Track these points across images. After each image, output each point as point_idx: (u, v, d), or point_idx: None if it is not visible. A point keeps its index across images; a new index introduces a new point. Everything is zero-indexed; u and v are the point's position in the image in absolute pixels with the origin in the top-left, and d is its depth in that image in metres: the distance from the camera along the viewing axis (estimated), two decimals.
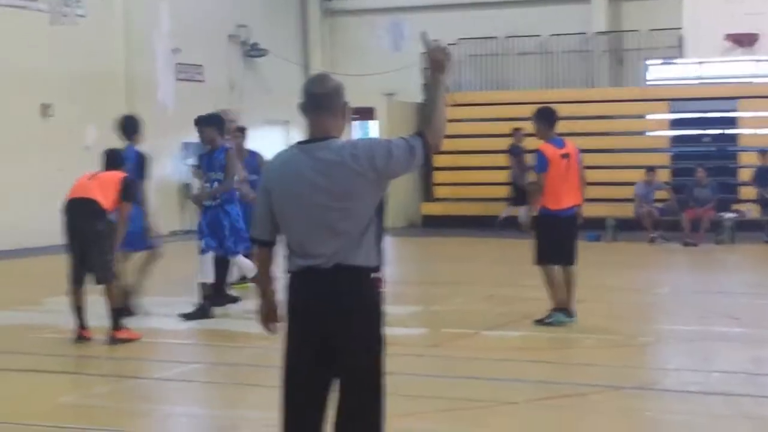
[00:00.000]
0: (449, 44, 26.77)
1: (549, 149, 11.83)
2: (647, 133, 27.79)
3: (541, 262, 11.95)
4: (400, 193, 25.93)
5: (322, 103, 5.04)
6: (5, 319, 12.30)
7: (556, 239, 11.85)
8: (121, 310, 11.15)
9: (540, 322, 11.90)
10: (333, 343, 4.94)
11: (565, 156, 11.87)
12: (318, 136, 5.03)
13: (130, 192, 11.34)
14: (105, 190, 11.11)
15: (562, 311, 11.88)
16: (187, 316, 12.43)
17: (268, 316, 5.30)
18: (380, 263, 5.03)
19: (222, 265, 13.15)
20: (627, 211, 23.41)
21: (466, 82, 29.17)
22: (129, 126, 13.02)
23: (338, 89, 5.10)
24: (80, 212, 11.01)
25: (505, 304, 13.60)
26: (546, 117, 12.02)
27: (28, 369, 9.99)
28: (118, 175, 11.36)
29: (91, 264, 11.01)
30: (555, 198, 11.80)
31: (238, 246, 12.91)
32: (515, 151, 24.90)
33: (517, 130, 24.69)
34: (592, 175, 23.89)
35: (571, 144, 12.14)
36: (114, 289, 11.07)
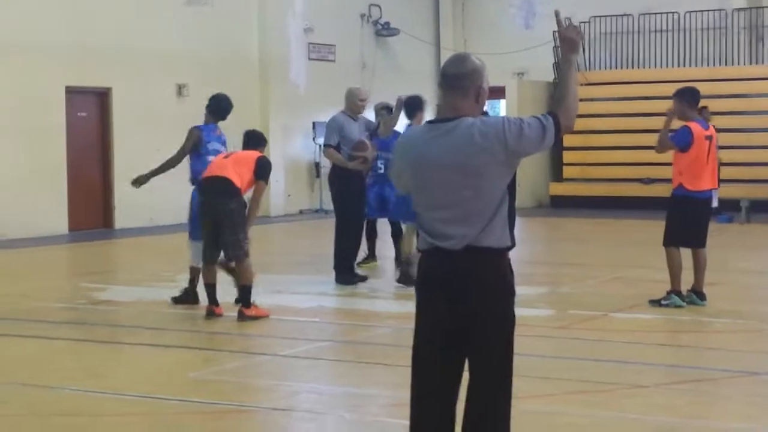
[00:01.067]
0: (582, 22, 26.50)
1: (696, 127, 11.66)
2: None
3: (671, 244, 11.79)
4: (530, 173, 25.79)
5: (455, 83, 4.98)
6: (140, 294, 12.55)
7: (690, 221, 11.68)
8: (251, 288, 11.27)
9: (655, 302, 11.80)
10: (464, 323, 4.91)
11: (708, 138, 11.71)
12: (450, 115, 4.99)
13: (265, 171, 11.39)
14: (240, 169, 11.22)
15: (679, 294, 11.74)
16: (176, 300, 12.21)
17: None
18: (512, 244, 4.98)
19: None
20: (763, 191, 22.90)
21: (599, 61, 28.83)
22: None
23: (475, 71, 4.99)
24: (214, 191, 11.15)
25: (634, 286, 13.43)
26: (690, 96, 11.82)
27: (161, 344, 10.18)
28: (254, 155, 11.47)
29: (224, 242, 11.15)
30: (695, 179, 11.64)
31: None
32: None
33: (704, 108, 23.74)
34: (728, 156, 23.55)
35: (712, 127, 11.96)
36: (245, 267, 11.18)
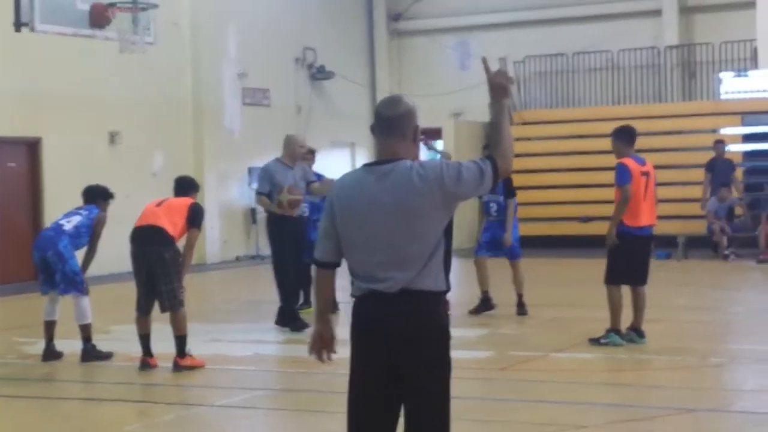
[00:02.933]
0: (516, 62, 26.66)
1: (632, 163, 11.66)
2: None
3: (612, 282, 11.77)
4: (467, 213, 25.76)
5: (392, 125, 5.01)
6: (73, 347, 12.27)
7: (631, 259, 11.67)
8: (185, 338, 11.09)
9: (595, 341, 11.78)
10: (399, 367, 4.90)
11: (645, 174, 11.73)
12: (387, 157, 5.00)
13: (198, 218, 11.28)
14: (173, 217, 11.09)
15: (618, 332, 11.73)
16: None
17: (321, 343, 5.22)
18: (447, 287, 4.99)
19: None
20: (699, 228, 23.04)
21: (535, 100, 29.01)
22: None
23: (410, 112, 5.05)
24: (147, 240, 11.00)
25: (574, 326, 13.37)
26: (626, 135, 11.87)
27: (95, 398, 10.01)
28: (186, 202, 11.35)
29: (158, 291, 10.99)
30: (633, 215, 11.62)
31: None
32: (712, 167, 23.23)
33: (720, 142, 23.71)
34: (664, 192, 23.63)
35: (650, 163, 11.99)
36: (180, 317, 11.00)
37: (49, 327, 11.86)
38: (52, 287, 11.76)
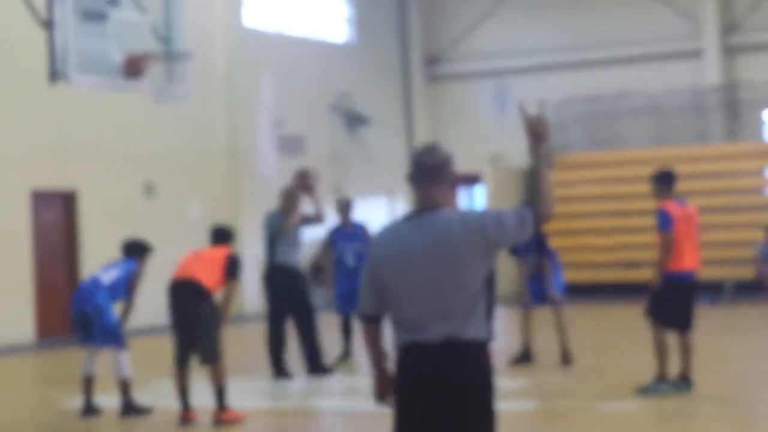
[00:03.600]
0: (555, 104, 26.34)
1: (673, 206, 11.49)
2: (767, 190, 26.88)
3: (657, 320, 11.51)
4: (510, 260, 25.42)
5: (432, 174, 5.03)
6: (111, 401, 12.12)
7: (675, 303, 11.46)
8: (224, 391, 10.90)
9: (643, 390, 11.52)
10: (444, 419, 4.85)
11: (687, 217, 11.54)
12: (427, 206, 4.99)
13: (236, 270, 11.20)
14: (210, 269, 11.03)
15: (665, 380, 11.51)
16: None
17: (383, 390, 5.20)
18: (490, 336, 4.98)
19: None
20: (748, 272, 22.63)
21: (575, 143, 28.68)
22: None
23: (449, 160, 5.09)
24: (184, 293, 10.96)
25: (619, 374, 13.14)
26: (665, 179, 11.73)
27: None
28: (222, 252, 11.28)
29: (196, 344, 10.90)
30: (677, 258, 11.43)
31: None
32: None
33: None
34: (710, 236, 23.31)
35: (692, 206, 11.80)
36: (219, 370, 10.89)
37: (88, 382, 11.72)
38: (91, 341, 11.65)
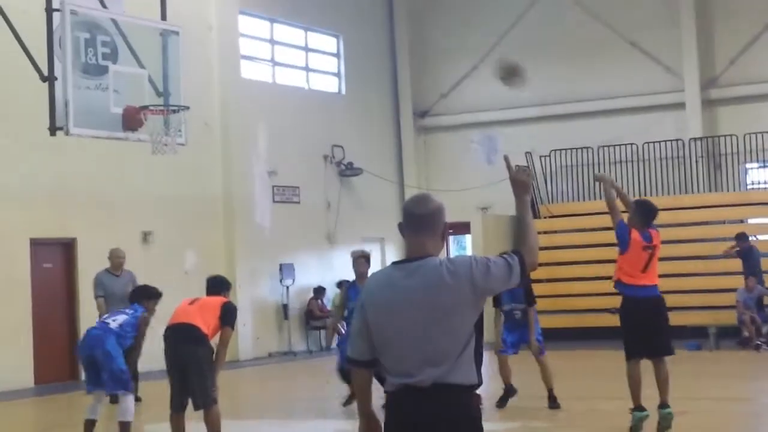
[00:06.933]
0: (542, 156, 26.66)
1: (636, 235, 11.39)
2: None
3: (627, 357, 11.42)
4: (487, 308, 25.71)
5: (422, 223, 5.08)
6: None
7: (639, 325, 11.28)
8: None
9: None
10: None
11: (648, 248, 11.40)
12: (416, 254, 5.06)
13: (231, 317, 11.34)
14: (205, 316, 11.18)
15: (638, 409, 11.47)
16: None
17: None
18: (479, 381, 5.01)
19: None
20: (729, 318, 23.00)
21: (561, 193, 29.12)
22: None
23: (439, 210, 5.13)
24: (180, 338, 11.08)
25: (605, 418, 13.30)
26: (643, 213, 11.57)
27: None
28: (219, 300, 11.43)
29: (192, 389, 11.04)
30: (632, 277, 11.32)
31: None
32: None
33: (741, 234, 23.49)
34: (692, 283, 23.69)
35: (657, 237, 11.57)
36: (213, 414, 11.05)
37: (89, 426, 11.94)
38: (99, 386, 11.86)
